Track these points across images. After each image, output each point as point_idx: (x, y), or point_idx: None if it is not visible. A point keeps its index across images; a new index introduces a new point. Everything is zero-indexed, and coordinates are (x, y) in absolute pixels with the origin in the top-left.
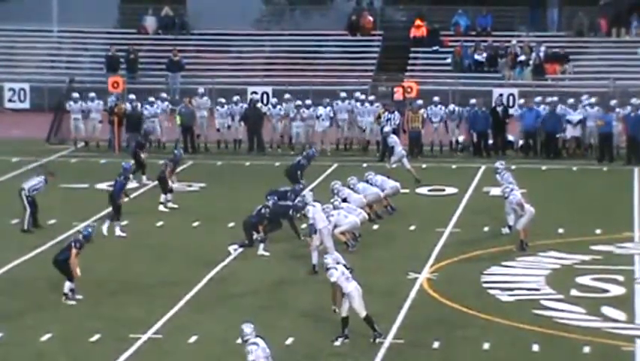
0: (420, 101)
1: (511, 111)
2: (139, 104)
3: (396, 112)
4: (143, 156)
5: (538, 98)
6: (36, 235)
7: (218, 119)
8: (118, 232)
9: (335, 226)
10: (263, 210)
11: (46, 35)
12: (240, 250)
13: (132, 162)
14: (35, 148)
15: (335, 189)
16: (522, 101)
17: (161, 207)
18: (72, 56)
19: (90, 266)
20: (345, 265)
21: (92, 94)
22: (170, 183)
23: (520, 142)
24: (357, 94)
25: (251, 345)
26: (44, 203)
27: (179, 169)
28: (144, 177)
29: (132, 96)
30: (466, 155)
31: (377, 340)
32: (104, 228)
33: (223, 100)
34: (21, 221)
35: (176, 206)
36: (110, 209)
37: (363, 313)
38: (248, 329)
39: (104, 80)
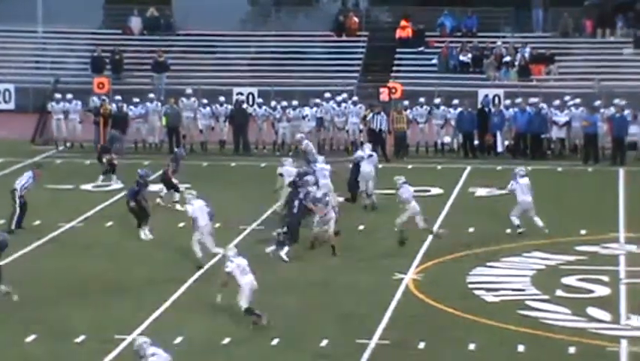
0: (405, 102)
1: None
2: (125, 105)
3: (382, 112)
4: (106, 159)
5: (519, 100)
6: (21, 236)
7: (201, 120)
8: (143, 235)
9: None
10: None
11: (31, 36)
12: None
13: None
14: (20, 149)
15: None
16: (508, 101)
17: (178, 206)
18: (57, 56)
19: (76, 266)
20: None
21: (70, 95)
22: (175, 182)
23: (507, 143)
24: (344, 95)
25: (151, 357)
26: (30, 204)
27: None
28: (114, 177)
29: (118, 97)
30: (451, 155)
31: (257, 323)
32: (142, 234)
33: (205, 101)
34: (7, 222)
35: (180, 208)
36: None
37: (244, 306)
38: (141, 341)
39: (90, 80)
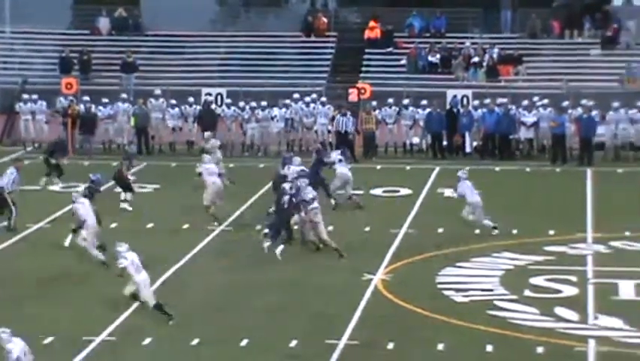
0: (373, 103)
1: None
2: (93, 106)
3: (348, 113)
4: (53, 161)
5: (487, 100)
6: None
7: (170, 120)
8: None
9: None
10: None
11: None
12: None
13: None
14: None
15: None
16: (477, 102)
17: (125, 205)
18: (25, 57)
19: (44, 265)
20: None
21: (35, 95)
22: (129, 181)
23: (475, 143)
24: (313, 96)
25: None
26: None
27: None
28: (58, 180)
29: (86, 98)
30: (420, 156)
31: (171, 322)
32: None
33: (174, 102)
34: (7, 222)
35: (130, 208)
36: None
37: (152, 302)
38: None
39: (58, 81)
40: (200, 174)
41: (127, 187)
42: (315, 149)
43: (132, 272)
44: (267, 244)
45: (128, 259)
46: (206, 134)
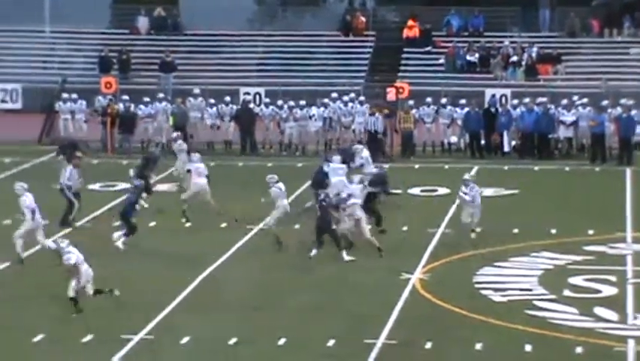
0: (411, 102)
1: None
2: (132, 105)
3: (377, 113)
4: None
5: (527, 99)
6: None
7: (208, 119)
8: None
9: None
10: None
11: (38, 36)
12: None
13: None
14: (27, 149)
15: None
16: (516, 101)
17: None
18: (65, 56)
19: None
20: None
21: (75, 95)
22: (150, 181)
23: (514, 143)
24: (351, 95)
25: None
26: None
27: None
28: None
29: (125, 97)
30: (458, 155)
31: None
32: (120, 243)
33: (213, 101)
34: (67, 217)
35: (146, 205)
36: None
37: (91, 291)
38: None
39: (97, 80)
40: (189, 170)
41: (147, 188)
42: (340, 149)
43: (79, 265)
44: (313, 252)
45: (74, 253)
46: (174, 134)
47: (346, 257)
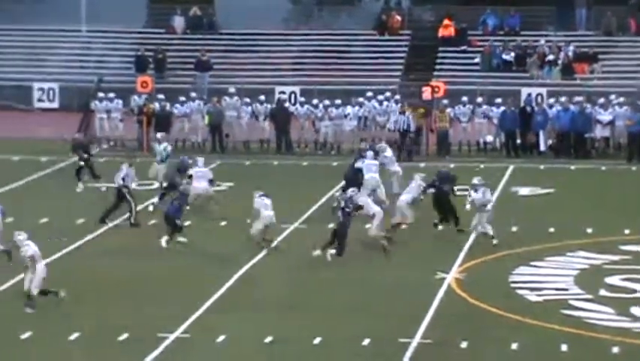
0: (445, 101)
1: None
2: (168, 104)
3: (407, 112)
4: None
5: (563, 98)
6: (67, 234)
7: (244, 118)
8: (164, 243)
9: None
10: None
11: (75, 35)
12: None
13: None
14: (64, 148)
15: None
16: (552, 100)
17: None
18: (101, 55)
19: (118, 264)
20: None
21: (112, 94)
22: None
23: (550, 142)
24: (387, 94)
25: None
26: (73, 203)
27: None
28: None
29: (161, 96)
30: (494, 154)
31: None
32: (163, 241)
33: (248, 100)
34: (129, 217)
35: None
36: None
37: (36, 291)
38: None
39: (132, 79)
40: (190, 176)
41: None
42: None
43: (37, 259)
44: (331, 252)
45: (32, 246)
46: (159, 135)
47: (318, 253)
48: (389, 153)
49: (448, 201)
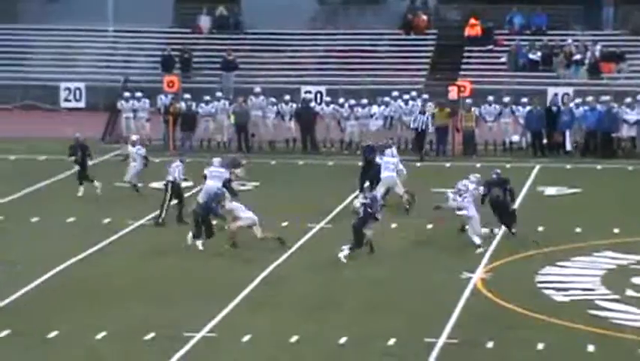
0: (469, 100)
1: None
2: (194, 104)
3: (426, 112)
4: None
5: (589, 98)
6: (93, 233)
7: (270, 118)
8: (200, 246)
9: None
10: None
11: (101, 35)
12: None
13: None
14: (91, 147)
15: None
16: (578, 100)
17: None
18: (127, 55)
19: (143, 265)
20: None
21: (139, 93)
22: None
23: (575, 142)
24: (412, 93)
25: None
26: (100, 201)
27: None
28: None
29: (187, 95)
30: (520, 154)
31: None
32: (192, 240)
33: (274, 100)
34: (157, 215)
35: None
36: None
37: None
38: None
39: (159, 79)
40: (204, 176)
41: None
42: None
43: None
44: (344, 252)
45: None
46: (134, 137)
47: (343, 258)
48: (395, 152)
49: (501, 205)
